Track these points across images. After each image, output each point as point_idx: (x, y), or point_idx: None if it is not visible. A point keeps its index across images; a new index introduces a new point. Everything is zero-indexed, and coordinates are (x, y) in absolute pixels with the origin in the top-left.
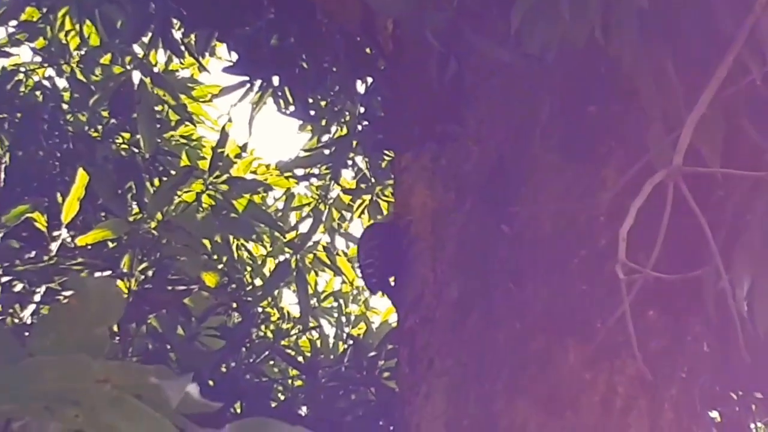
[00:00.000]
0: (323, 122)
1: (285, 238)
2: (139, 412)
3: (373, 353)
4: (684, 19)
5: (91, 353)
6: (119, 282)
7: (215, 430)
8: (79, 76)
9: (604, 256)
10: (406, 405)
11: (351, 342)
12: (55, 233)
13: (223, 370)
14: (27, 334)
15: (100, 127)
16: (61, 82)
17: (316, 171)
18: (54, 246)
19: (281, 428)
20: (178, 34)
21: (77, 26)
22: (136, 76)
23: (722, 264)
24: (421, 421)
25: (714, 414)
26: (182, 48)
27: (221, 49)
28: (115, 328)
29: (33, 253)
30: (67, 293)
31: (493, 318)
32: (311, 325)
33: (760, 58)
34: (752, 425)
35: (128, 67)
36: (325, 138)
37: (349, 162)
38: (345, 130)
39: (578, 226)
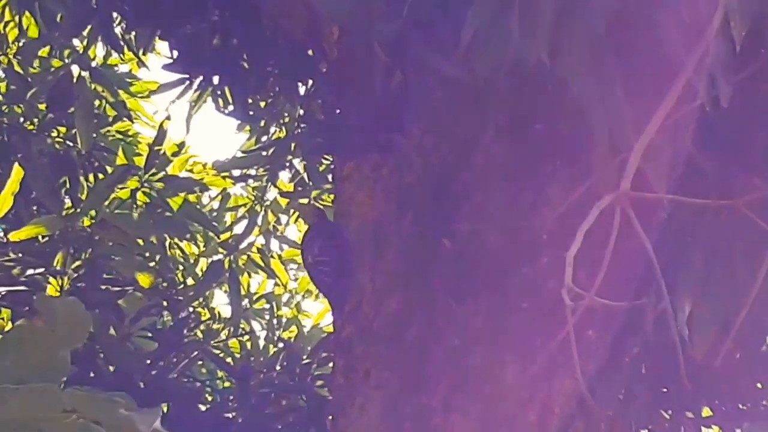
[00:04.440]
0: (262, 123)
1: (219, 238)
2: None
3: (306, 360)
4: (634, 42)
5: (53, 376)
6: (51, 279)
7: None
8: (17, 68)
9: (546, 274)
10: (340, 416)
11: (282, 346)
12: None
13: (153, 372)
14: None
15: (36, 120)
16: None
17: (253, 172)
18: None
19: None
20: (118, 29)
21: (16, 18)
22: (75, 70)
23: (665, 286)
24: None
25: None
26: (122, 43)
27: (161, 45)
28: None
29: None
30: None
31: (431, 332)
32: (242, 327)
33: (709, 84)
34: None
35: (67, 61)
36: (263, 139)
37: (287, 164)
38: (284, 132)
39: (521, 243)
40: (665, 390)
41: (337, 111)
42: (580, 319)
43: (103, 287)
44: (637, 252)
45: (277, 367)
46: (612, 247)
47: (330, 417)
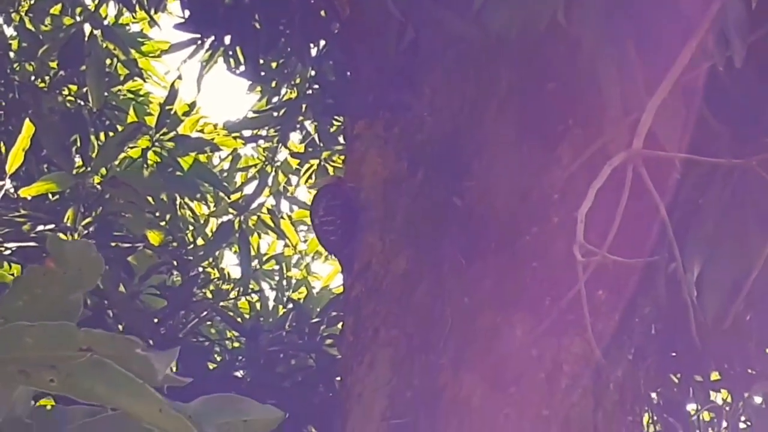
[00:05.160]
0: (273, 84)
1: (229, 198)
2: (119, 377)
3: (315, 319)
4: (648, 2)
5: (65, 319)
6: (62, 236)
7: (184, 403)
8: (29, 26)
9: (556, 234)
10: (348, 374)
11: (291, 306)
12: None
13: (162, 330)
14: None
15: (47, 78)
16: (9, 31)
17: (264, 133)
18: None
19: (251, 405)
20: None
21: None
22: (87, 28)
23: (677, 247)
24: (363, 390)
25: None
26: (134, 2)
27: (173, 4)
28: None
29: None
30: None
31: (441, 291)
32: (252, 287)
33: (723, 45)
34: (688, 408)
35: (79, 19)
36: (274, 100)
37: (298, 125)
38: (295, 93)
39: (531, 202)
40: (674, 354)
41: (348, 71)
42: (590, 279)
43: (113, 244)
44: (649, 212)
45: (287, 327)
46: (624, 207)
47: (338, 377)
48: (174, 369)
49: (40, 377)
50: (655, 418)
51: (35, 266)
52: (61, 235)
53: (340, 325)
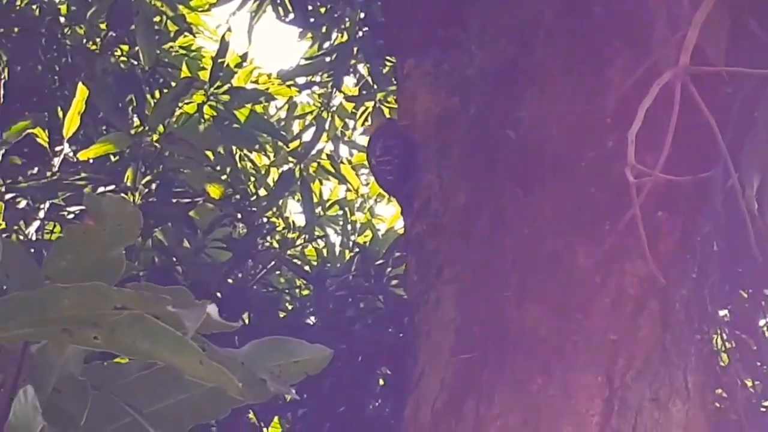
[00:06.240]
0: (323, 29)
1: (288, 147)
2: (159, 331)
3: (380, 261)
4: None
5: (107, 275)
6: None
7: (234, 349)
8: None
9: (612, 158)
10: (415, 313)
11: (357, 250)
12: (57, 148)
13: (230, 281)
14: (33, 251)
15: (98, 40)
16: None
17: (317, 79)
18: (56, 161)
19: (301, 346)
20: None
21: None
22: None
23: (731, 162)
24: (431, 328)
25: (723, 312)
26: None
27: None
28: None
29: (36, 169)
30: (72, 209)
31: (501, 223)
32: (317, 234)
33: None
34: (762, 322)
35: None
36: (325, 45)
37: (351, 69)
38: (345, 37)
39: (584, 128)
40: (740, 270)
41: (396, 10)
42: (648, 201)
43: (174, 201)
44: (700, 128)
45: (353, 271)
46: (675, 125)
47: (406, 318)
48: (247, 320)
49: (83, 335)
50: (726, 336)
51: (75, 225)
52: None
53: (404, 267)
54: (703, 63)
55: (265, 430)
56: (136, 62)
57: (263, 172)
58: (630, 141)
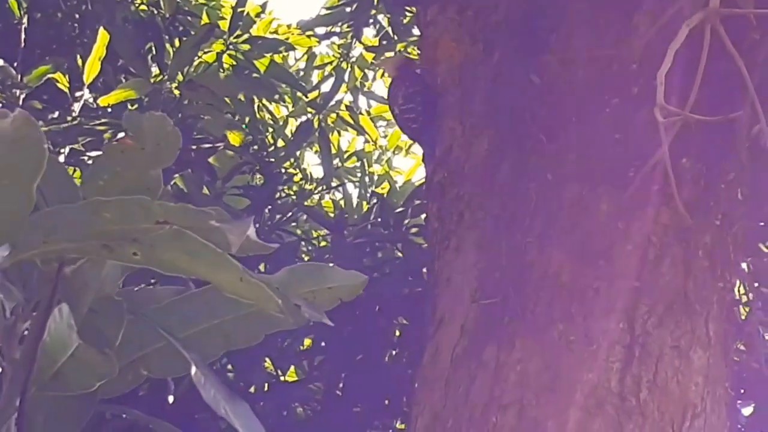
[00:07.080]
0: None
1: (307, 97)
2: (200, 247)
3: (399, 209)
4: None
5: (146, 194)
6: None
7: (270, 275)
8: None
9: (637, 103)
10: (436, 259)
11: (375, 201)
12: (78, 94)
13: None
14: None
15: None
16: None
17: (337, 29)
18: (77, 106)
19: (335, 272)
20: None
21: None
22: None
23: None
24: (451, 274)
25: (743, 265)
26: None
27: None
28: None
29: (56, 114)
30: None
31: (523, 169)
32: (335, 183)
33: None
34: None
35: None
36: None
37: (371, 19)
38: None
39: (610, 73)
40: (763, 223)
41: None
42: (673, 147)
43: (194, 147)
44: (729, 73)
45: (371, 220)
46: (703, 68)
47: (425, 268)
48: (262, 268)
49: (123, 251)
50: (747, 287)
51: (114, 144)
52: None
53: (423, 215)
54: (732, 5)
55: (282, 377)
56: (156, 11)
57: (281, 122)
58: (659, 82)
